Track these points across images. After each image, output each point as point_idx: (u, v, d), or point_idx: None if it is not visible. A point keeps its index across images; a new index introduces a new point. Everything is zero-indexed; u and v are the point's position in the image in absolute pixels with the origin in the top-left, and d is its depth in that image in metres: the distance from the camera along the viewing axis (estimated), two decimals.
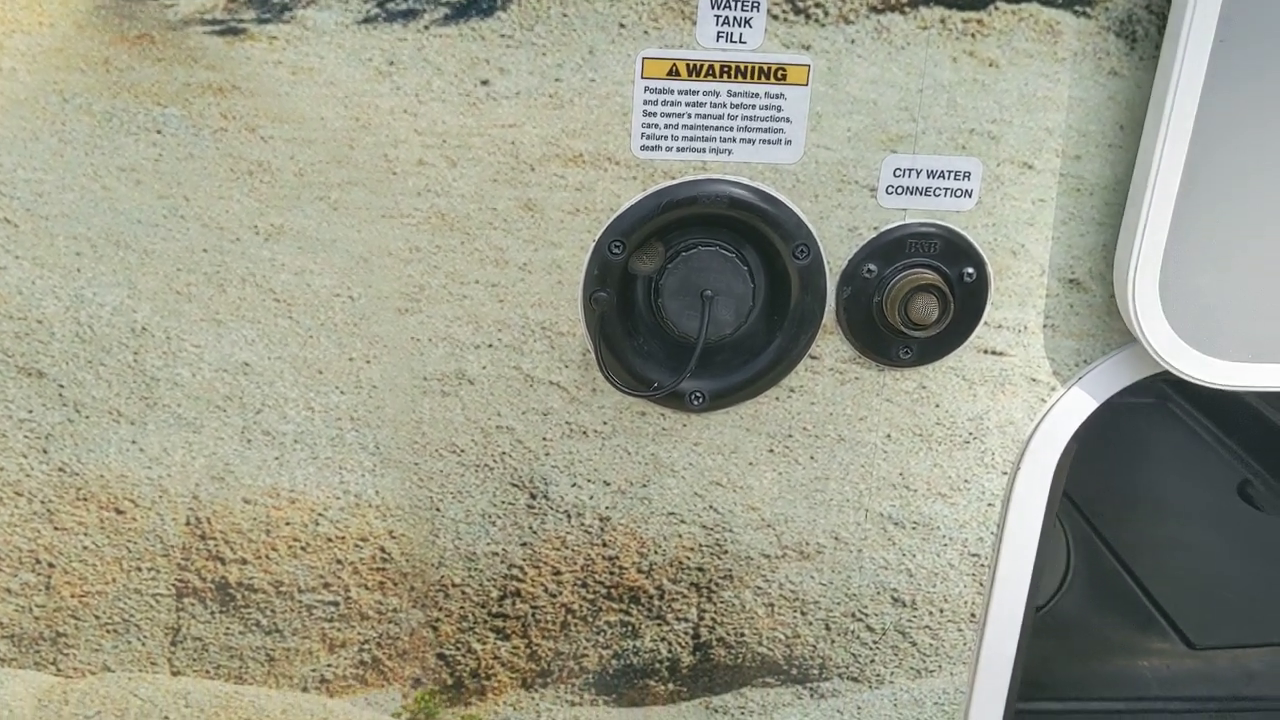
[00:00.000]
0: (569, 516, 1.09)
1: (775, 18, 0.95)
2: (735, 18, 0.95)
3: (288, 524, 1.08)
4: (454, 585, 1.11)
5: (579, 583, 1.12)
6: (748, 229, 1.02)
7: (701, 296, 1.01)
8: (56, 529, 1.06)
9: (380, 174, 0.97)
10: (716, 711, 1.18)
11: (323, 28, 0.93)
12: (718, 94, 0.97)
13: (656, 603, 1.13)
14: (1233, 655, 1.87)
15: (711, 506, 1.10)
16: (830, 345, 1.06)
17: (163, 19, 0.92)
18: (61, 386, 1.02)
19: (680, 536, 1.11)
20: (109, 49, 0.92)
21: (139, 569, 1.08)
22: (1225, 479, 2.53)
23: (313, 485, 1.07)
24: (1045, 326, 1.06)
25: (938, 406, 1.08)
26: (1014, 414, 1.09)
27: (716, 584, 1.13)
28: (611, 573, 1.12)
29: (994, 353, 1.07)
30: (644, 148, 0.98)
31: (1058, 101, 0.99)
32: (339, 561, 1.09)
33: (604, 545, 1.11)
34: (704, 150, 0.98)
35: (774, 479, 1.10)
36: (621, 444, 1.07)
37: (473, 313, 1.02)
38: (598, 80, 0.96)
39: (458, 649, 1.14)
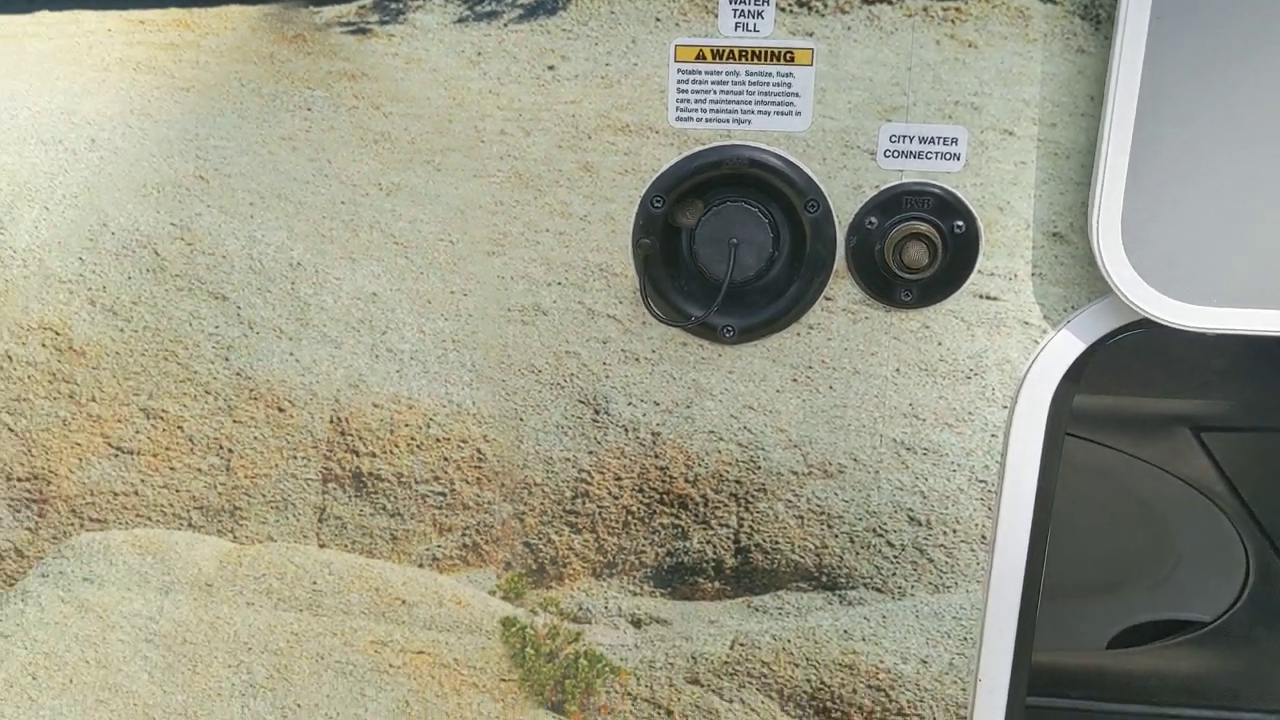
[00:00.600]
0: (626, 430, 1.32)
1: (783, 10, 1.16)
2: (749, 10, 1.16)
3: (406, 425, 1.35)
4: (535, 484, 1.36)
5: (636, 488, 1.34)
6: (768, 187, 1.22)
7: (729, 244, 1.23)
8: (235, 422, 1.38)
9: (471, 142, 1.24)
10: (757, 610, 1.37)
11: (427, 27, 1.21)
12: (737, 74, 1.18)
13: (701, 509, 1.34)
14: None
15: (745, 427, 1.31)
16: (842, 289, 1.24)
17: (312, 22, 1.22)
18: (239, 308, 1.33)
19: (719, 452, 1.32)
20: (274, 46, 1.23)
21: (295, 457, 1.38)
22: None
23: (424, 395, 1.34)
24: (1034, 275, 1.21)
25: (940, 344, 1.25)
26: (1010, 353, 1.24)
27: (752, 496, 1.33)
28: (663, 481, 1.34)
29: (988, 297, 1.23)
30: (678, 119, 1.20)
31: (1032, 76, 1.15)
32: (445, 459, 1.36)
33: (656, 457, 1.33)
34: (728, 121, 1.20)
35: (798, 405, 1.29)
36: (668, 370, 1.29)
37: (545, 255, 1.27)
38: (639, 64, 1.19)
39: (539, 539, 1.38)
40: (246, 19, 1.23)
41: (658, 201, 1.23)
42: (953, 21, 1.14)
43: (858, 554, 1.34)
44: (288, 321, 1.33)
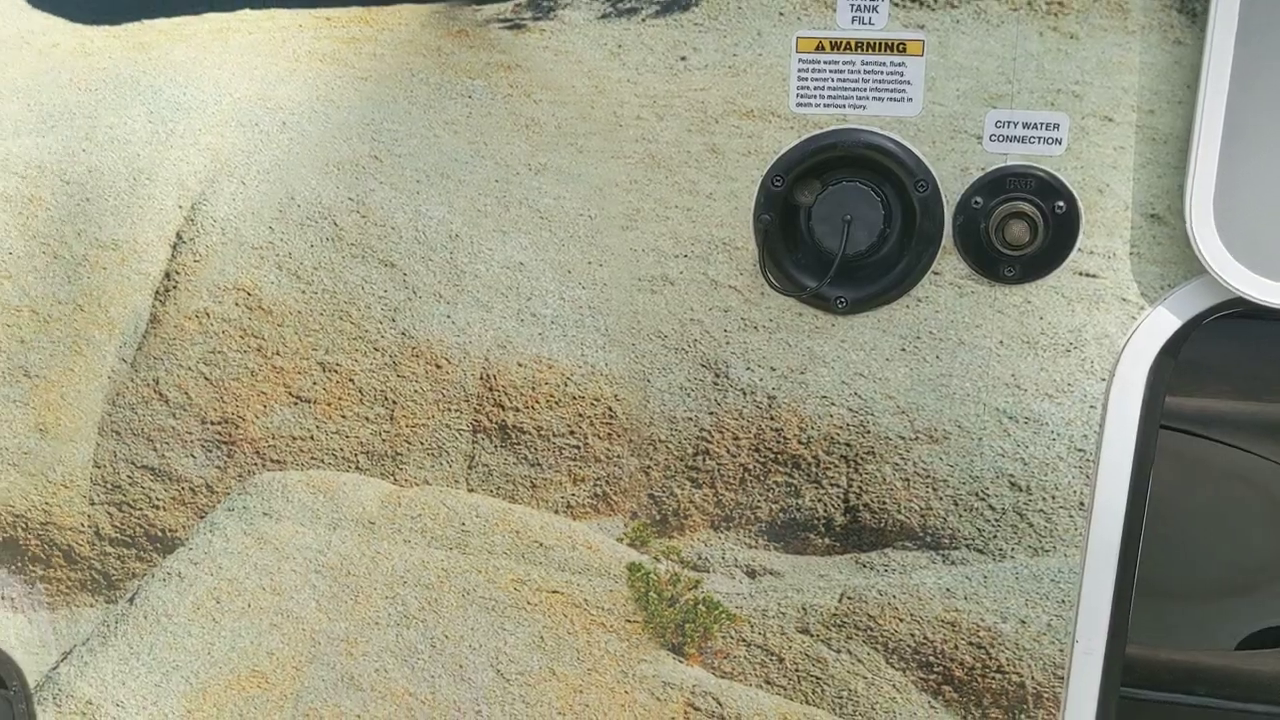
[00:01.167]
0: (744, 393, 1.44)
1: (896, 4, 1.26)
2: (865, 5, 1.27)
3: (546, 384, 1.50)
4: (660, 441, 1.49)
5: (753, 447, 1.46)
6: (881, 168, 1.32)
7: (843, 220, 1.33)
8: (399, 376, 1.54)
9: (610, 126, 1.38)
10: (864, 566, 1.47)
11: (574, 23, 1.35)
12: (853, 64, 1.29)
13: (813, 469, 1.45)
14: None
15: (856, 393, 1.41)
16: (949, 264, 1.33)
17: (474, 18, 1.38)
18: (404, 274, 1.50)
19: (831, 416, 1.42)
20: (440, 40, 1.39)
21: (449, 410, 1.54)
22: None
23: (563, 356, 1.48)
24: (1131, 254, 1.28)
25: (1041, 319, 1.33)
26: (1108, 328, 1.31)
27: (861, 458, 1.43)
28: (778, 441, 1.45)
29: (1088, 275, 1.30)
30: (798, 105, 1.32)
31: (1130, 66, 1.22)
32: (580, 415, 1.50)
33: (771, 419, 1.44)
34: (844, 106, 1.31)
35: (906, 373, 1.38)
36: (784, 337, 1.41)
37: (673, 230, 1.40)
38: (764, 55, 1.31)
39: (663, 492, 1.51)
40: (417, 16, 1.39)
41: (778, 181, 1.34)
42: (1055, 14, 1.23)
43: (960, 516, 1.42)
44: (446, 287, 1.49)
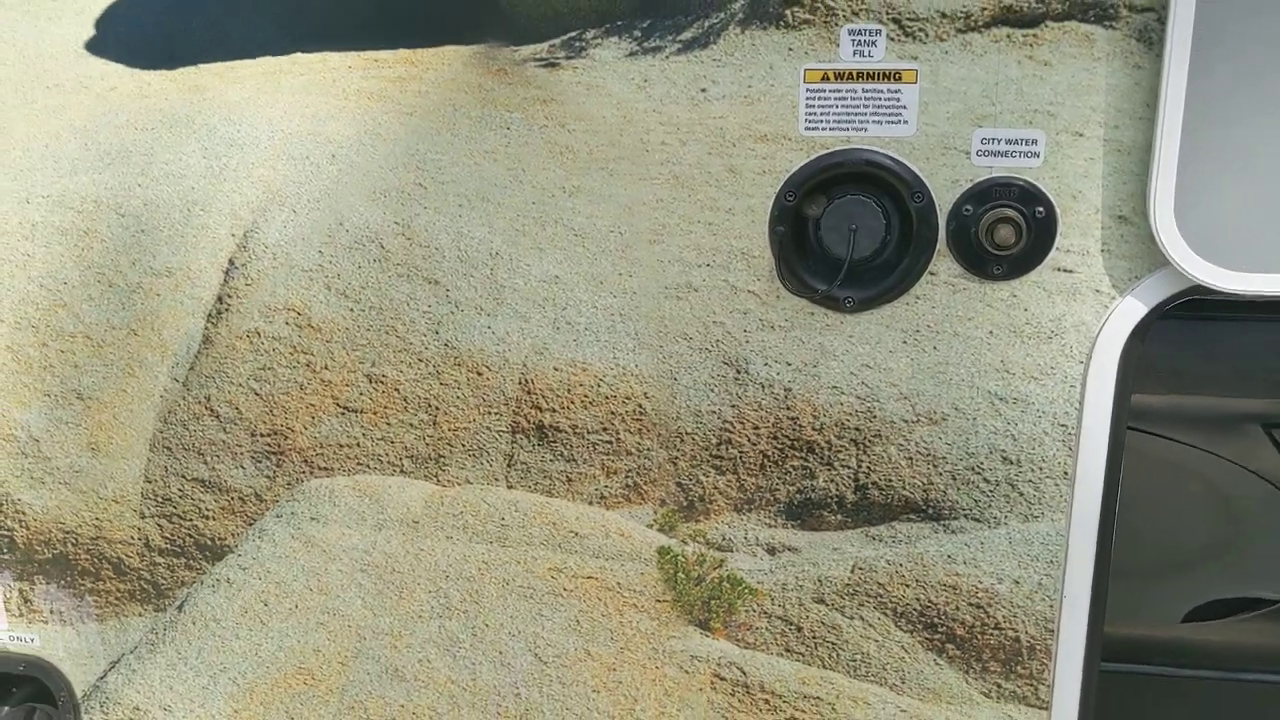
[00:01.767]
0: (762, 387, 1.60)
1: (892, 39, 1.44)
2: (865, 40, 1.44)
3: (580, 385, 1.65)
4: (687, 434, 1.64)
5: (771, 435, 1.62)
6: (881, 182, 1.50)
7: (849, 229, 1.51)
8: (442, 384, 1.68)
9: (638, 151, 1.54)
10: (873, 539, 1.64)
11: (604, 60, 1.51)
12: (855, 91, 1.47)
13: (826, 453, 1.62)
14: None
15: (863, 383, 1.58)
16: (944, 265, 1.51)
17: (512, 58, 1.53)
18: (447, 290, 1.64)
19: (841, 404, 1.59)
20: (481, 77, 1.55)
21: (489, 413, 1.68)
22: None
23: (596, 359, 1.63)
24: (1103, 251, 1.47)
25: (1026, 310, 1.51)
26: (1084, 316, 1.50)
27: (869, 441, 1.60)
28: (794, 429, 1.61)
29: (1066, 270, 1.49)
30: (807, 129, 1.49)
31: (1097, 88, 1.41)
32: (612, 413, 1.65)
33: (788, 409, 1.60)
34: (847, 129, 1.48)
35: (908, 363, 1.56)
36: (798, 335, 1.57)
37: (696, 243, 1.56)
38: (775, 85, 1.48)
39: (690, 480, 1.66)
40: (460, 56, 1.54)
41: (790, 196, 1.51)
42: (1031, 45, 1.41)
43: (959, 489, 1.60)
44: (487, 300, 1.63)
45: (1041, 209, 1.46)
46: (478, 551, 1.75)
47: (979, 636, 1.64)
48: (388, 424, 1.71)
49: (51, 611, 1.94)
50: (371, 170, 1.61)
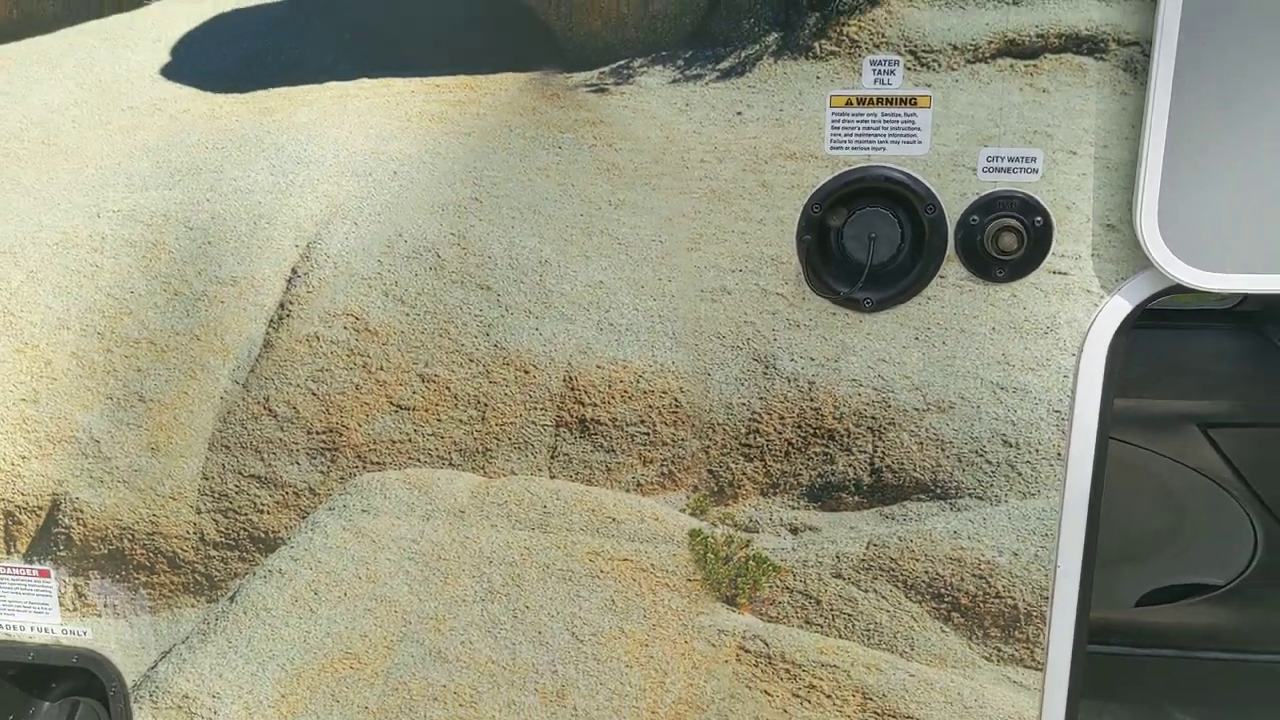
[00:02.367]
0: (788, 381, 1.77)
1: (909, 69, 1.63)
2: (884, 70, 1.63)
3: (621, 381, 1.80)
4: (718, 424, 1.81)
5: (795, 425, 1.79)
6: (898, 196, 1.68)
7: (869, 238, 1.69)
8: (491, 382, 1.83)
9: (679, 167, 1.70)
10: (887, 518, 1.82)
11: (649, 86, 1.68)
12: (875, 115, 1.65)
13: (845, 440, 1.79)
14: None
15: (879, 375, 1.76)
16: (953, 269, 1.70)
17: (564, 84, 1.69)
18: (499, 295, 1.79)
19: (859, 395, 1.77)
20: (535, 101, 1.70)
21: (535, 408, 1.83)
22: None
23: (636, 357, 1.79)
24: (1093, 255, 1.66)
25: (1025, 308, 1.70)
26: (1076, 314, 1.69)
27: (884, 428, 1.78)
28: (816, 419, 1.79)
29: (1060, 273, 1.68)
30: (832, 148, 1.67)
31: (1089, 112, 1.61)
32: (650, 407, 1.81)
33: (811, 400, 1.78)
34: (868, 149, 1.66)
35: (919, 357, 1.74)
36: (821, 333, 1.75)
37: (731, 250, 1.73)
38: (804, 110, 1.66)
39: (720, 467, 1.83)
40: (516, 82, 1.70)
41: (816, 208, 1.69)
42: (1031, 74, 1.61)
43: (964, 470, 1.78)
44: (535, 304, 1.78)
45: (1040, 219, 1.65)
46: (520, 538, 1.90)
47: (981, 605, 1.83)
48: (439, 420, 1.86)
49: (105, 605, 2.04)
50: (431, 185, 1.75)
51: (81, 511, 1.98)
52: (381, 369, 1.84)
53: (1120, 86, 1.59)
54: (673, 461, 1.84)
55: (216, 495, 1.94)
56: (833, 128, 1.66)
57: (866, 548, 1.83)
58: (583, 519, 1.88)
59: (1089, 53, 1.59)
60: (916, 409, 1.77)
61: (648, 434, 1.82)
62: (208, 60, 1.76)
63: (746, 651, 1.89)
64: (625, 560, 1.88)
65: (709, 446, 1.82)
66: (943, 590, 1.83)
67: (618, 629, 1.91)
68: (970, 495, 1.79)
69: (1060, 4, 1.58)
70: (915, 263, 1.70)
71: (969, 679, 1.85)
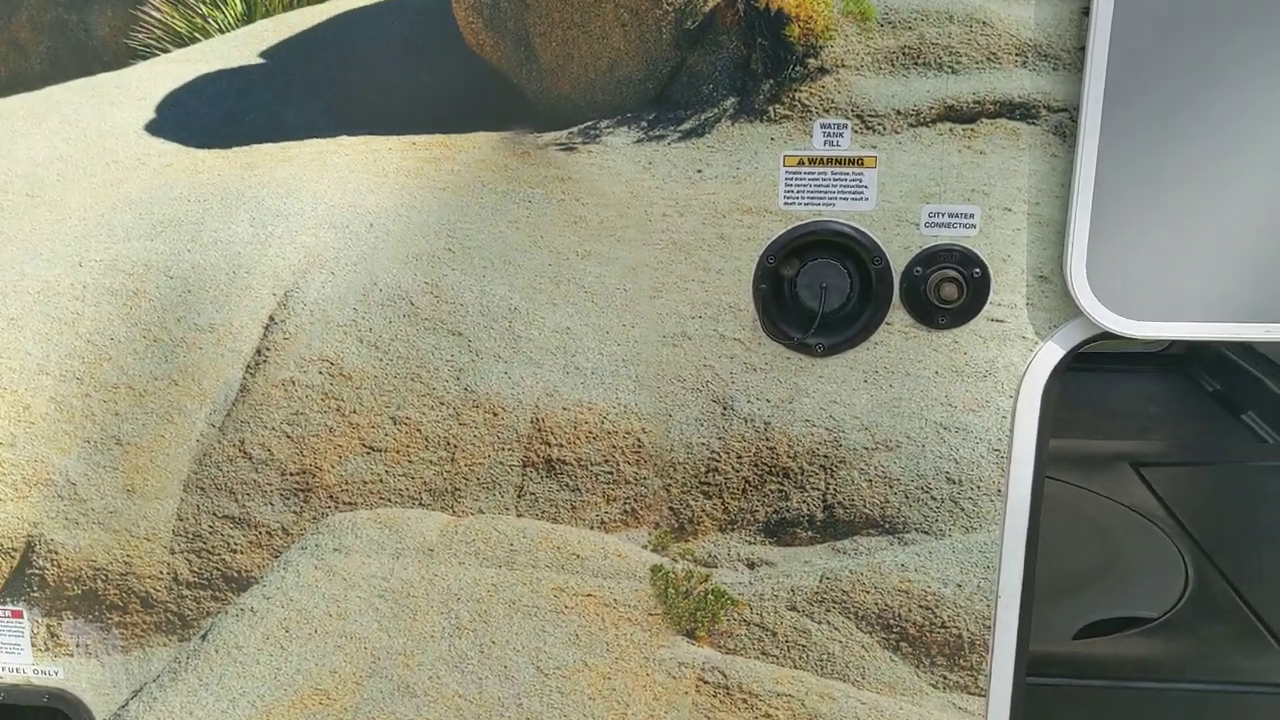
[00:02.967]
0: (745, 421, 1.87)
1: (856, 132, 1.75)
2: (833, 132, 1.75)
3: (586, 423, 1.89)
4: (679, 463, 1.90)
5: (752, 463, 1.89)
6: (847, 249, 1.80)
7: (820, 287, 1.80)
8: (460, 424, 1.91)
9: (642, 220, 1.81)
10: (839, 551, 1.92)
11: (615, 145, 1.79)
12: (825, 174, 1.77)
13: (799, 478, 1.89)
14: None
15: (831, 416, 1.86)
16: (898, 316, 1.81)
17: (535, 143, 1.79)
18: (469, 341, 1.88)
19: (812, 435, 1.87)
20: (507, 159, 1.80)
21: (503, 449, 1.92)
22: None
23: (600, 399, 1.88)
24: (1028, 304, 1.79)
25: (965, 354, 1.82)
26: (1013, 358, 1.81)
27: (835, 466, 1.88)
28: (772, 458, 1.89)
29: (998, 320, 1.80)
30: (785, 204, 1.78)
31: (1022, 172, 1.74)
32: (614, 447, 1.90)
33: (767, 440, 1.88)
34: (819, 205, 1.78)
35: (868, 399, 1.85)
36: (776, 376, 1.85)
37: (691, 298, 1.83)
38: (759, 169, 1.77)
39: (680, 504, 1.92)
40: (489, 140, 1.80)
41: (771, 259, 1.80)
42: (969, 138, 1.74)
43: (911, 506, 1.89)
44: (504, 349, 1.87)
45: (978, 270, 1.78)
46: (487, 575, 1.97)
47: (928, 634, 1.93)
48: (409, 461, 1.93)
49: (77, 645, 2.08)
50: (405, 237, 1.84)
51: (56, 553, 2.02)
52: (355, 412, 1.92)
53: (1051, 149, 1.73)
54: (635, 500, 1.92)
55: (190, 536, 2.00)
56: (786, 185, 1.77)
57: (820, 581, 1.93)
58: (548, 556, 1.95)
59: (1022, 118, 1.72)
60: (866, 448, 1.87)
61: (611, 473, 1.91)
62: (191, 117, 1.84)
63: (705, 683, 1.98)
64: (589, 596, 1.96)
65: (670, 485, 1.91)
66: (892, 621, 1.93)
67: (581, 662, 1.99)
68: (917, 530, 1.90)
69: (995, 73, 1.71)
70: (863, 311, 1.81)
71: (917, 705, 1.95)
